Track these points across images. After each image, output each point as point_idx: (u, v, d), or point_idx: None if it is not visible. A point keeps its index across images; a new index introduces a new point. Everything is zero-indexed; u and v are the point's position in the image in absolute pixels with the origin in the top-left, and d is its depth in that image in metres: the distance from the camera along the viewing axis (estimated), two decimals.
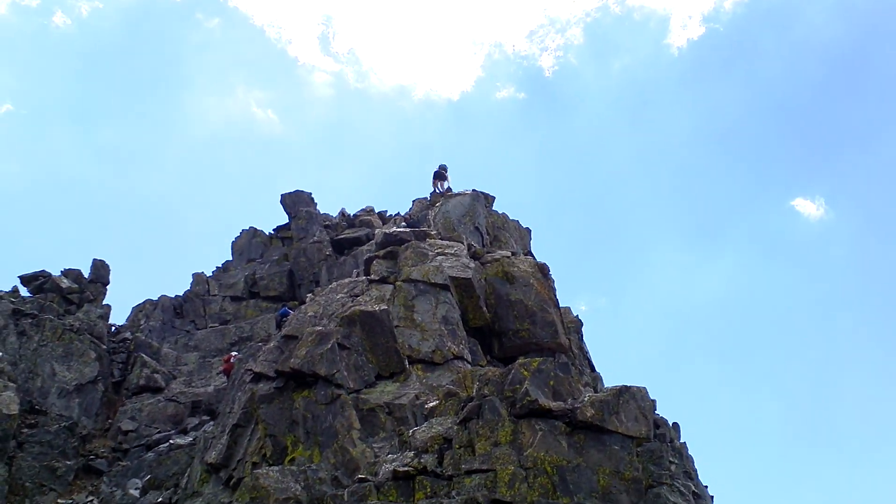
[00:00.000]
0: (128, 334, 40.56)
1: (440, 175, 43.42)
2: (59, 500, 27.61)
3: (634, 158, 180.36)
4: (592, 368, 34.77)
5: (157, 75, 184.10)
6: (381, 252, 32.19)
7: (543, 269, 32.65)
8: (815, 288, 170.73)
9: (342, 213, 48.87)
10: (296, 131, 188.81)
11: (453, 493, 18.41)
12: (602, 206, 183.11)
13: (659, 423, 20.92)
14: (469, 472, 18.67)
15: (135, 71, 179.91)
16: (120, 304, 74.16)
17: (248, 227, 50.63)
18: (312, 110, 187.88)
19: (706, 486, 21.99)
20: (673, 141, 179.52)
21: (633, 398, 19.68)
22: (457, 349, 27.60)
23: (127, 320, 44.62)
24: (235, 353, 33.74)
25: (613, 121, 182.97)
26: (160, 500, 25.57)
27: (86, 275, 41.34)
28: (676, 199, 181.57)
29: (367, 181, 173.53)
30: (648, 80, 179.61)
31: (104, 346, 36.81)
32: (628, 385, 19.90)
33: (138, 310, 45.10)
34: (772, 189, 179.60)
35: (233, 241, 50.50)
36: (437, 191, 43.03)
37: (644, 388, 20.08)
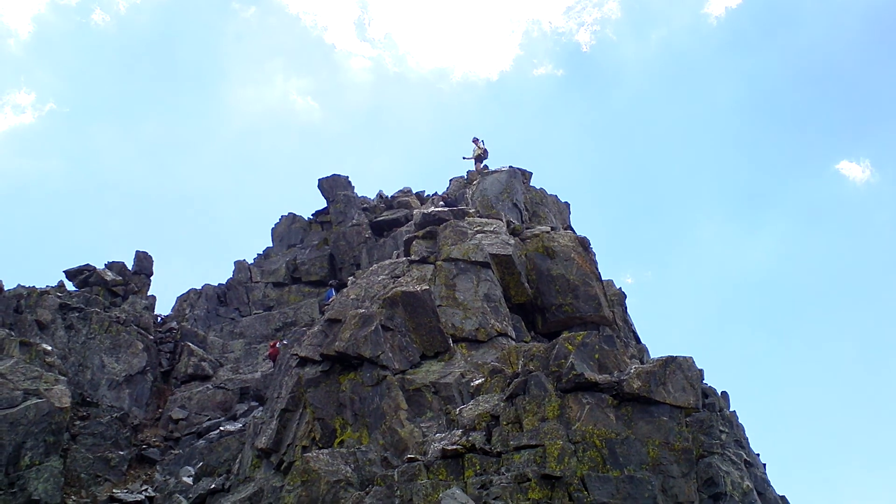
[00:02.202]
0: (174, 324, 40.94)
1: (480, 158, 43.30)
2: (114, 490, 27.97)
3: (676, 130, 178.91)
4: (638, 340, 34.58)
5: (197, 68, 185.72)
6: (421, 232, 32.19)
7: (584, 243, 32.45)
8: (861, 253, 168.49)
9: (380, 196, 48.85)
10: (336, 118, 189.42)
11: (503, 469, 18.42)
12: (645, 179, 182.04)
13: (707, 392, 20.82)
14: (518, 448, 18.68)
15: (174, 65, 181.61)
16: (164, 294, 75.20)
17: (287, 213, 50.84)
18: (352, 96, 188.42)
19: (758, 454, 21.89)
20: (714, 111, 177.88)
21: (679, 368, 19.55)
22: (500, 326, 27.56)
23: (172, 310, 45.04)
24: (282, 338, 33.94)
25: (653, 93, 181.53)
26: (213, 486, 25.83)
27: (129, 267, 41.76)
28: (720, 169, 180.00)
29: (407, 165, 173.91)
30: (687, 50, 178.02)
31: (151, 337, 37.21)
32: (674, 355, 19.77)
33: (182, 299, 45.50)
34: (816, 153, 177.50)
35: (272, 228, 50.74)
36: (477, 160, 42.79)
37: (690, 357, 19.95)
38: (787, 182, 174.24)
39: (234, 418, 32.63)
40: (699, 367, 20.21)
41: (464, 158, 43.01)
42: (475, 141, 43.33)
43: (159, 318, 41.58)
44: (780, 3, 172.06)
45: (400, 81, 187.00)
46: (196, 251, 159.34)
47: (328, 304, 30.96)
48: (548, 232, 32.49)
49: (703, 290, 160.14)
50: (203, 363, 37.19)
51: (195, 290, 45.60)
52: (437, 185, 45.21)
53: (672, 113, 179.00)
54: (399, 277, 28.92)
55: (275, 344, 35.08)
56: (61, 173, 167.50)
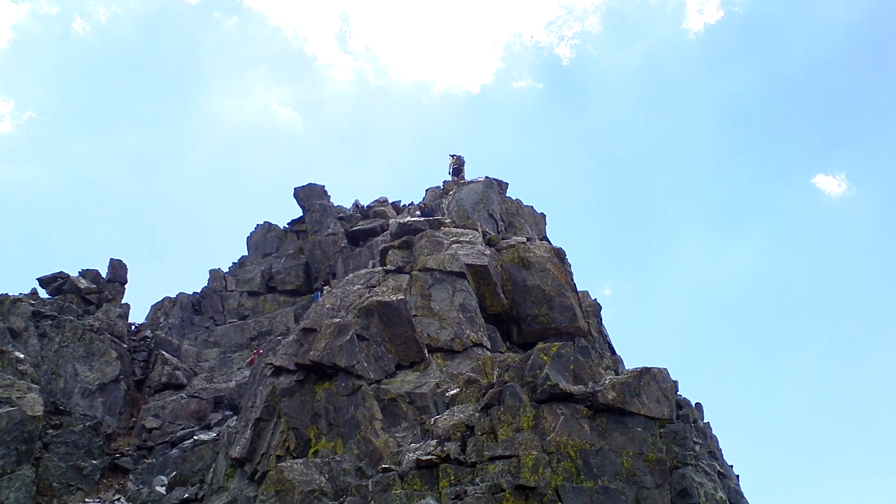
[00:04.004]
0: (148, 332, 40.75)
1: (457, 170, 43.63)
2: (86, 500, 27.80)
3: (655, 143, 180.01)
4: (613, 351, 34.74)
5: (177, 77, 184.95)
6: (396, 242, 32.23)
7: (559, 254, 32.60)
8: (837, 265, 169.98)
9: (356, 205, 48.86)
10: (317, 129, 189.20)
11: (477, 479, 18.45)
12: (625, 192, 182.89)
13: (682, 403, 20.95)
14: (492, 459, 18.71)
15: (155, 74, 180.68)
16: (138, 302, 74.64)
17: (262, 222, 50.72)
18: (333, 108, 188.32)
19: (731, 466, 22.03)
20: (692, 125, 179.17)
21: (654, 379, 19.66)
22: (476, 336, 27.62)
23: (146, 319, 44.82)
24: (265, 345, 33.84)
25: (632, 106, 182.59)
26: (186, 495, 25.71)
27: (103, 275, 41.50)
28: (698, 182, 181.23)
29: (388, 177, 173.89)
30: (666, 65, 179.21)
31: (125, 345, 37.00)
32: (649, 367, 19.88)
33: (157, 308, 45.27)
34: (793, 167, 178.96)
35: (248, 237, 50.58)
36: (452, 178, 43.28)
37: (665, 369, 20.07)
38: (765, 195, 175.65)
39: (208, 427, 32.48)
40: (674, 379, 20.34)
41: (449, 177, 43.41)
42: (451, 157, 43.75)
43: (133, 327, 41.36)
44: (758, 19, 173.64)
45: (381, 94, 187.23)
46: (171, 259, 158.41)
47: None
48: (524, 242, 32.62)
49: (681, 302, 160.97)
50: (177, 372, 37.00)
51: (170, 298, 45.41)
52: (417, 196, 45.16)
53: (651, 126, 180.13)
54: (375, 287, 28.93)
55: (256, 352, 34.95)
56: (39, 181, 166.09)
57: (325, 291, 32.19)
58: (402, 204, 47.17)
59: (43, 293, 38.72)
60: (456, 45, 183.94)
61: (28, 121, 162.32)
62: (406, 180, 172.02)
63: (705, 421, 22.25)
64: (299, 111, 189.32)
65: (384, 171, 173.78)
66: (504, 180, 43.09)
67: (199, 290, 45.86)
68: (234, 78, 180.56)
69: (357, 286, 29.49)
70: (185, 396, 35.23)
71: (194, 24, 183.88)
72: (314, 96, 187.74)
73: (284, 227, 50.05)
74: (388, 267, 30.57)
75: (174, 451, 30.73)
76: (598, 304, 36.00)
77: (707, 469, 19.61)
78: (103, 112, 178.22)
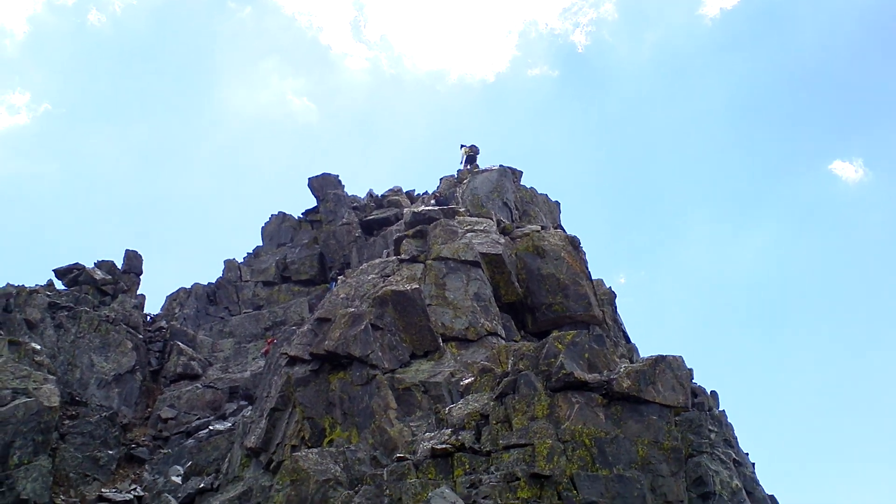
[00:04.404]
0: (163, 323, 40.87)
1: (471, 158, 43.57)
2: (102, 490, 27.88)
3: (670, 130, 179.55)
4: (627, 340, 34.61)
5: (192, 68, 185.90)
6: (411, 231, 32.18)
7: (574, 242, 32.48)
8: (854, 252, 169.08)
9: (370, 194, 48.83)
10: (332, 118, 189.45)
11: (492, 468, 18.41)
12: (640, 179, 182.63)
13: (697, 391, 20.87)
14: (507, 448, 18.67)
15: (169, 65, 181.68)
16: (154, 293, 74.99)
17: (276, 213, 50.74)
18: (348, 97, 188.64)
19: (747, 454, 21.92)
20: (708, 111, 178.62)
21: (669, 367, 19.58)
22: (490, 325, 27.56)
23: (161, 309, 44.95)
24: (279, 335, 33.86)
25: (647, 93, 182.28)
26: (202, 485, 25.76)
27: (119, 266, 41.63)
28: (714, 169, 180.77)
29: (403, 166, 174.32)
30: (682, 51, 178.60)
31: (140, 336, 37.11)
32: (664, 355, 19.80)
33: (172, 298, 45.42)
34: (809, 153, 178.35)
35: (262, 227, 50.62)
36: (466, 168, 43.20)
37: (680, 357, 19.98)
38: (781, 182, 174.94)
39: (224, 417, 32.55)
40: (689, 367, 20.26)
41: (462, 166, 43.33)
42: (464, 147, 43.73)
43: (149, 317, 41.50)
44: (774, 4, 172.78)
45: (396, 83, 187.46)
46: (186, 250, 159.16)
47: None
48: (538, 231, 32.51)
49: (696, 290, 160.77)
50: (192, 362, 37.11)
51: (185, 289, 45.54)
52: (431, 186, 45.10)
53: (666, 113, 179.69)
54: (389, 276, 28.89)
55: (271, 341, 34.98)
56: (55, 174, 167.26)
57: (339, 281, 32.19)
58: (416, 193, 47.11)
59: (59, 284, 38.86)
60: (471, 33, 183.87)
61: (44, 113, 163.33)
62: (421, 170, 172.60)
63: (721, 409, 22.16)
64: (314, 101, 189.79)
65: (399, 161, 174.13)
66: (518, 168, 42.97)
67: (213, 281, 45.94)
68: (249, 68, 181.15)
69: (371, 275, 29.46)
70: (200, 387, 35.30)
71: (209, 14, 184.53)
72: (329, 86, 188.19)
73: (299, 216, 50.04)
74: (403, 256, 30.53)
75: (190, 441, 30.82)
76: (613, 292, 35.84)
77: (723, 457, 19.51)
78: (118, 103, 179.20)
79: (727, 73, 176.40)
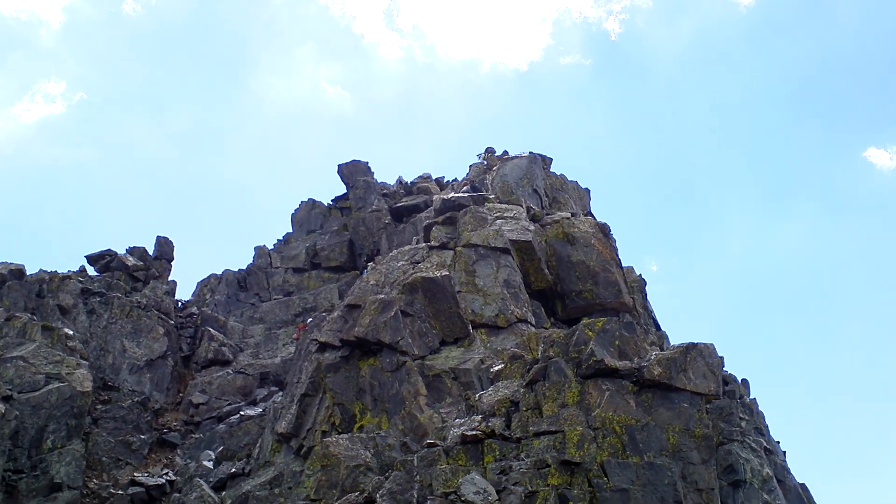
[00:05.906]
0: (194, 309, 41.11)
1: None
2: (135, 474, 28.13)
3: (703, 118, 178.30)
4: (658, 327, 34.48)
5: (227, 56, 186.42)
6: (440, 218, 32.13)
7: (604, 230, 32.35)
8: (889, 240, 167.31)
9: (399, 182, 48.80)
10: (366, 107, 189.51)
11: (522, 455, 18.41)
12: (674, 167, 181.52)
13: (728, 379, 20.74)
14: (537, 434, 18.67)
15: (204, 53, 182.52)
16: (185, 279, 75.51)
17: (306, 199, 50.83)
18: (382, 86, 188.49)
19: (778, 442, 21.78)
20: (742, 99, 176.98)
21: (700, 355, 19.48)
22: (520, 312, 27.52)
23: (192, 295, 45.23)
24: (311, 320, 33.95)
25: (681, 81, 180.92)
26: (233, 470, 25.94)
27: (150, 252, 41.88)
28: (748, 157, 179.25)
29: (436, 155, 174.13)
30: (716, 38, 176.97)
31: (172, 322, 37.35)
32: (695, 342, 19.70)
33: (203, 285, 45.66)
34: (844, 141, 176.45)
35: (292, 214, 50.74)
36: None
37: (711, 344, 19.87)
38: (815, 170, 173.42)
39: (254, 403, 32.73)
40: (720, 355, 20.13)
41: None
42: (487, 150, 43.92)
43: (180, 304, 41.74)
44: None
45: (430, 71, 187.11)
46: (217, 237, 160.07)
47: None
48: (568, 218, 32.39)
49: (729, 278, 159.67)
50: (223, 348, 37.32)
51: (216, 275, 45.77)
52: (462, 174, 45.01)
53: (700, 101, 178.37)
54: (419, 263, 28.91)
55: (302, 327, 35.07)
56: (89, 162, 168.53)
57: (369, 268, 32.24)
58: (445, 180, 47.02)
59: (91, 270, 39.14)
60: (504, 22, 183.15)
61: (79, 101, 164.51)
62: (454, 158, 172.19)
63: (752, 397, 22.02)
64: (347, 89, 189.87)
65: (432, 149, 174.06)
66: (548, 156, 42.80)
67: (244, 267, 46.16)
68: (283, 56, 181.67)
69: (401, 262, 29.49)
70: (231, 372, 35.51)
71: (243, 3, 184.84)
72: (362, 74, 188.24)
73: (329, 203, 50.13)
74: (433, 243, 30.52)
75: (221, 426, 31.00)
76: (643, 279, 35.71)
77: (753, 445, 19.40)
78: (153, 92, 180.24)
79: (761, 60, 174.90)
